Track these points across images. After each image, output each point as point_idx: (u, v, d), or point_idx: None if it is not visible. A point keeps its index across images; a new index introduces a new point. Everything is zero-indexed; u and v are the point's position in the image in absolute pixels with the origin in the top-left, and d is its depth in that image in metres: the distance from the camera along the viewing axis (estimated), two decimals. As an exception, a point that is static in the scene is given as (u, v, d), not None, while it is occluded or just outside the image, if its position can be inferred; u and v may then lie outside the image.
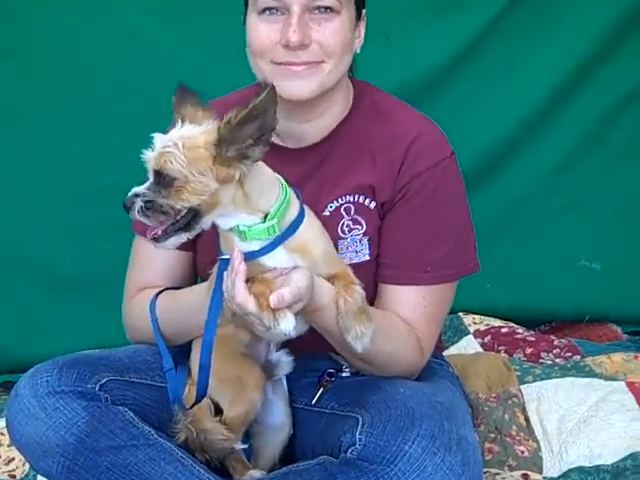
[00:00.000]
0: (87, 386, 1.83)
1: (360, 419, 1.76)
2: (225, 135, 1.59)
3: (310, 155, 1.94)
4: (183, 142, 1.59)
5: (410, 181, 1.89)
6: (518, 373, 2.51)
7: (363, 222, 1.92)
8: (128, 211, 1.62)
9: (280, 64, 1.83)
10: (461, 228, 1.96)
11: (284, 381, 2.00)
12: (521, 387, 2.44)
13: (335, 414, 1.91)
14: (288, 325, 1.61)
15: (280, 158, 1.89)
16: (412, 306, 1.90)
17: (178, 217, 1.62)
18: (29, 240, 2.96)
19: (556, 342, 2.85)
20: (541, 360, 2.73)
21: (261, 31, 1.84)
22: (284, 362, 1.95)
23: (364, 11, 1.94)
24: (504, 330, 2.94)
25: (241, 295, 1.62)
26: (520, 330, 2.95)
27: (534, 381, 2.46)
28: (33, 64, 2.86)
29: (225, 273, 1.68)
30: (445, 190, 1.92)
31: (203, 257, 2.01)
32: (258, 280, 1.65)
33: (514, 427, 2.29)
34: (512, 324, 3.00)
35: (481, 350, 2.82)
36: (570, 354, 2.76)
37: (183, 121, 1.66)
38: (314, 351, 1.96)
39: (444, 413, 1.75)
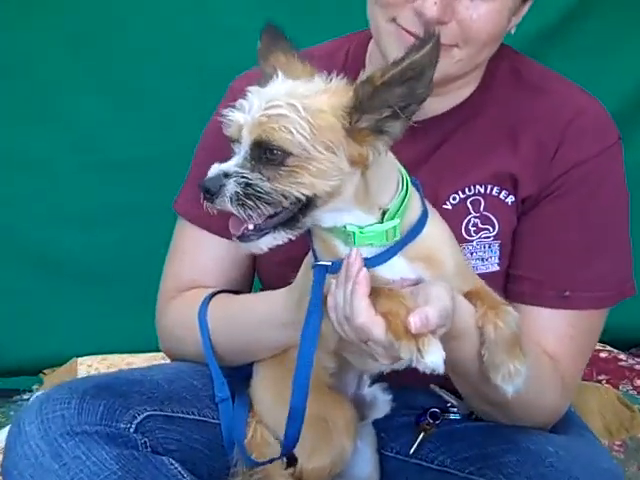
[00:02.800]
0: (119, 425, 1.41)
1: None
2: (363, 99, 1.20)
3: (430, 130, 1.53)
4: (302, 103, 1.20)
5: (568, 171, 1.52)
6: (643, 413, 2.05)
7: (495, 221, 1.54)
8: (212, 198, 1.19)
9: (401, 27, 1.45)
10: (623, 237, 1.58)
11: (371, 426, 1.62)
12: (652, 433, 1.98)
13: (448, 472, 1.51)
14: (437, 357, 1.18)
15: None
16: (557, 335, 1.53)
17: (284, 207, 1.23)
18: (30, 224, 2.62)
19: (670, 373, 2.39)
20: (658, 396, 2.28)
21: None
22: (381, 401, 1.56)
23: None
24: (603, 355, 2.57)
25: (364, 315, 1.19)
26: (622, 356, 2.58)
27: (667, 425, 2.01)
28: (53, 33, 2.58)
29: (332, 284, 1.27)
30: (612, 185, 1.55)
31: (270, 254, 1.56)
32: (384, 294, 1.22)
33: (653, 487, 1.85)
34: (610, 347, 2.62)
35: (578, 379, 2.36)
36: (693, 388, 2.31)
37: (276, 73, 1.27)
38: (412, 382, 1.57)
39: None
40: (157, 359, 2.48)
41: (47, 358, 2.58)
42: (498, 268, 1.55)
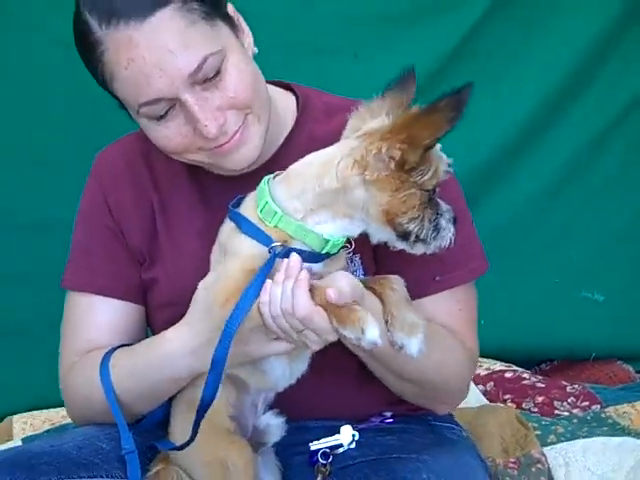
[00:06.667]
0: None
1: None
2: None
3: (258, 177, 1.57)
4: None
5: None
6: (538, 432, 2.16)
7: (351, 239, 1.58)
8: None
9: (212, 149, 1.54)
10: (467, 214, 1.71)
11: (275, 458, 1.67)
12: (544, 449, 2.08)
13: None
14: (375, 332, 1.34)
15: (229, 185, 1.61)
16: (448, 313, 1.66)
17: None
18: None
19: (569, 388, 2.53)
20: (556, 411, 2.40)
21: (167, 136, 1.53)
22: (274, 425, 1.63)
23: (229, 11, 1.54)
24: (508, 375, 2.63)
25: (306, 307, 1.36)
26: (526, 375, 2.64)
27: (558, 442, 2.13)
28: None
29: (270, 281, 1.39)
30: None
31: (160, 312, 1.70)
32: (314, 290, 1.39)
33: (542, 500, 1.96)
34: (515, 367, 2.71)
35: (485, 400, 2.47)
36: (587, 403, 2.44)
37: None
38: (307, 414, 1.69)
39: None
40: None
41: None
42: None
